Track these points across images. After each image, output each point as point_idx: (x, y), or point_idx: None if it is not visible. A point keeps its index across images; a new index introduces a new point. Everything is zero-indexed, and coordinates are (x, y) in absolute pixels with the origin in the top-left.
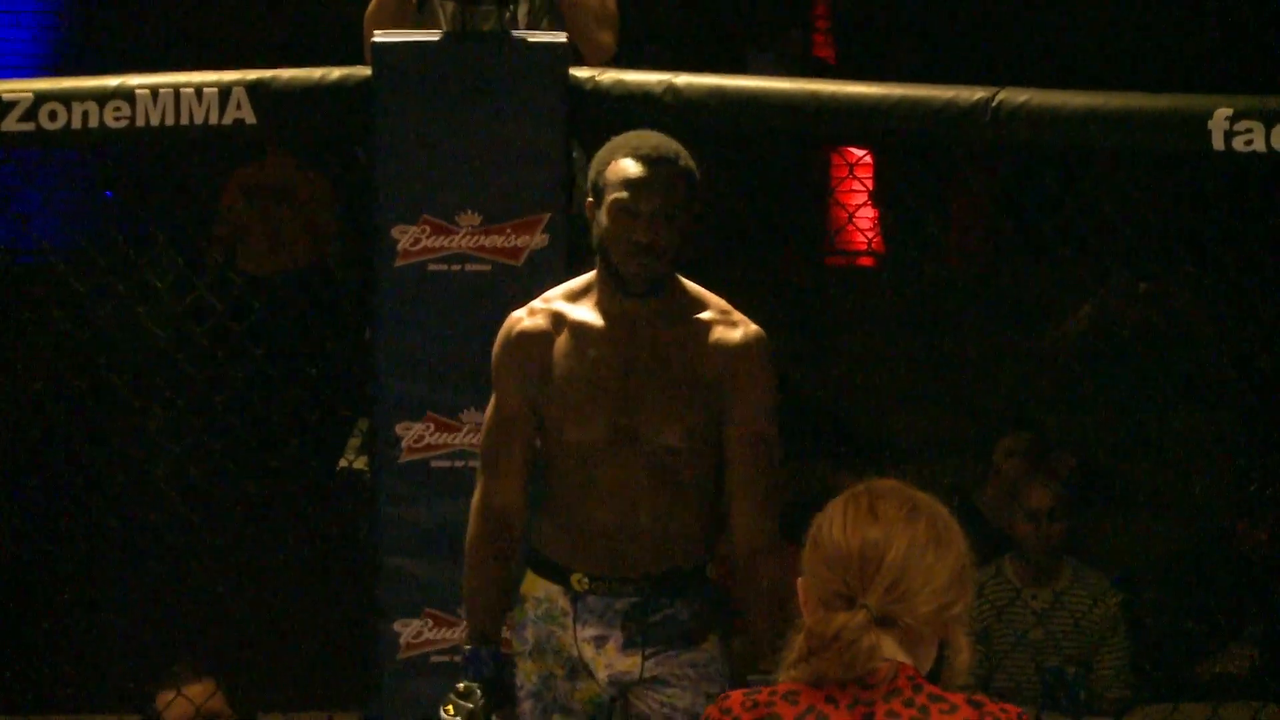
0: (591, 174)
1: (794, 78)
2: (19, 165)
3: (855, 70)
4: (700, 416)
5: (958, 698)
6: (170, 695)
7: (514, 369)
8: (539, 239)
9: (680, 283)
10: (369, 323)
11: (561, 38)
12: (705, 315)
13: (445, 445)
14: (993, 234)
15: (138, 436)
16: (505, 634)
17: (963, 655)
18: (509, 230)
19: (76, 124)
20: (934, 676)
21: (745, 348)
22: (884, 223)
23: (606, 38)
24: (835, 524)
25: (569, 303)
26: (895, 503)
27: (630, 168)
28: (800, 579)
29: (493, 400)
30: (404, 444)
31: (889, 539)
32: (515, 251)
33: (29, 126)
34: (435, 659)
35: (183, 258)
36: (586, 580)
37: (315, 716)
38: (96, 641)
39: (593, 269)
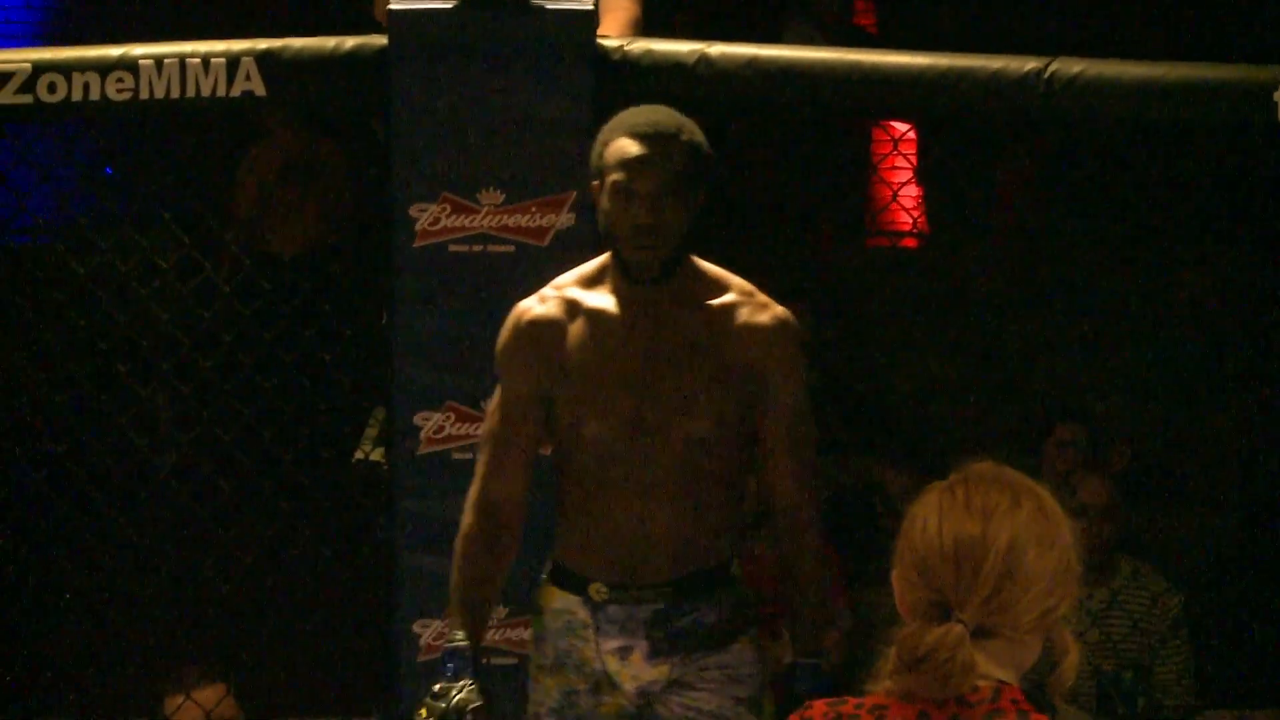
0: (593, 155)
1: (833, 47)
2: (15, 140)
3: (898, 39)
4: (731, 404)
5: None
6: (179, 700)
7: (524, 359)
8: (565, 218)
9: (698, 265)
10: (386, 307)
11: (587, 4)
12: (729, 298)
13: (466, 436)
14: (1044, 213)
15: (143, 427)
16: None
17: (1070, 656)
18: (534, 209)
19: (77, 96)
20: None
21: (777, 330)
22: (929, 202)
23: (630, 4)
24: (929, 520)
25: (583, 289)
26: (995, 492)
27: (628, 147)
28: (893, 574)
29: (497, 391)
30: (423, 435)
31: (988, 537)
32: (541, 232)
33: (27, 99)
34: None
35: (189, 237)
36: (605, 590)
37: None
38: (102, 644)
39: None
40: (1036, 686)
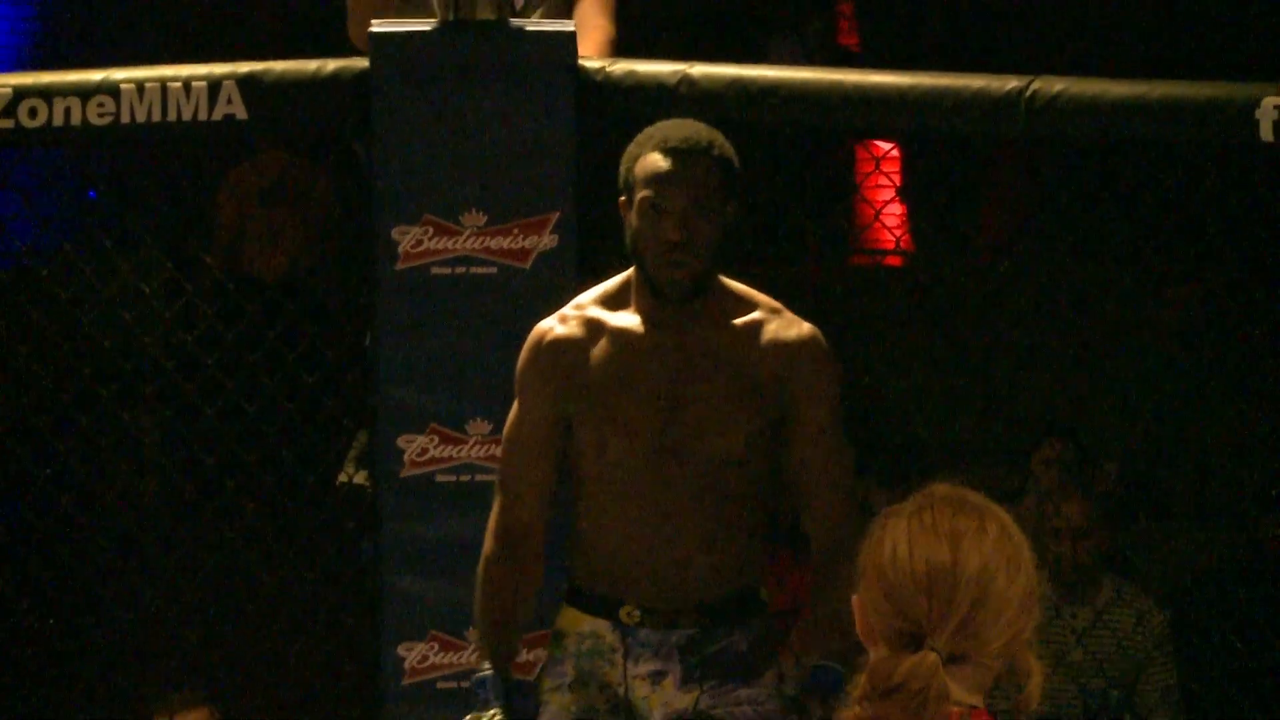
0: (622, 170)
1: (816, 67)
2: None
3: (881, 59)
4: (761, 423)
5: None
6: None
7: (544, 381)
8: (548, 239)
9: (723, 282)
10: (369, 329)
11: (569, 26)
12: (756, 315)
13: (450, 459)
14: (1026, 230)
15: (126, 451)
16: (525, 658)
17: (1034, 678)
18: (516, 230)
19: (58, 121)
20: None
21: (806, 345)
22: (912, 220)
23: (605, 24)
24: (899, 546)
25: (605, 308)
26: (961, 516)
27: (659, 162)
28: (855, 598)
29: (515, 413)
30: (406, 457)
31: (959, 563)
32: (523, 253)
33: (8, 124)
34: (442, 684)
35: (172, 261)
36: (638, 613)
37: None
38: (88, 667)
39: (619, 272)
40: (1004, 713)
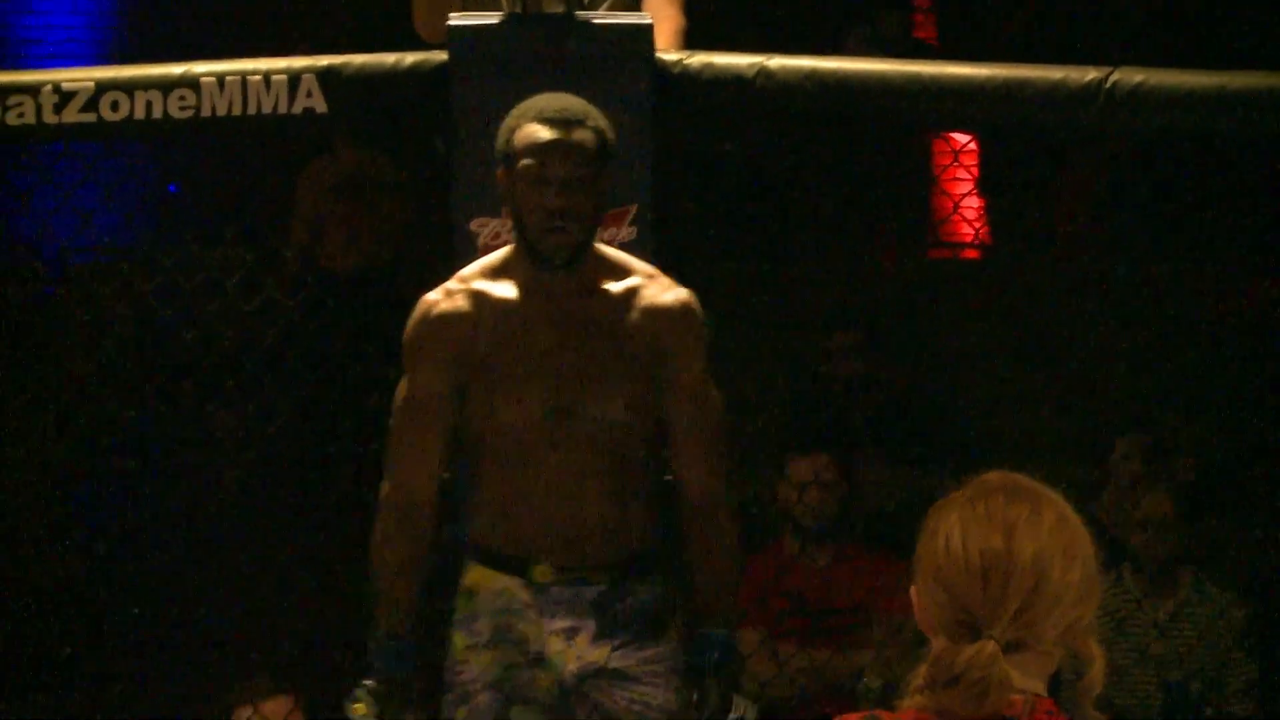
0: (500, 142)
1: (893, 59)
2: (79, 159)
3: (958, 51)
4: (641, 386)
5: None
6: (247, 711)
7: (433, 353)
8: (626, 232)
9: (601, 250)
10: None
11: (645, 19)
12: (633, 281)
13: None
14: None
15: (208, 444)
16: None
17: (1095, 665)
18: None
19: (140, 114)
20: (1054, 686)
21: (679, 309)
22: (990, 213)
23: (675, 14)
24: (952, 535)
25: (488, 280)
26: (1015, 504)
27: (538, 132)
28: (913, 589)
29: (404, 386)
30: None
31: (1013, 552)
32: None
33: (90, 117)
34: None
35: (252, 254)
36: (550, 571)
37: None
38: (172, 656)
39: (699, 264)
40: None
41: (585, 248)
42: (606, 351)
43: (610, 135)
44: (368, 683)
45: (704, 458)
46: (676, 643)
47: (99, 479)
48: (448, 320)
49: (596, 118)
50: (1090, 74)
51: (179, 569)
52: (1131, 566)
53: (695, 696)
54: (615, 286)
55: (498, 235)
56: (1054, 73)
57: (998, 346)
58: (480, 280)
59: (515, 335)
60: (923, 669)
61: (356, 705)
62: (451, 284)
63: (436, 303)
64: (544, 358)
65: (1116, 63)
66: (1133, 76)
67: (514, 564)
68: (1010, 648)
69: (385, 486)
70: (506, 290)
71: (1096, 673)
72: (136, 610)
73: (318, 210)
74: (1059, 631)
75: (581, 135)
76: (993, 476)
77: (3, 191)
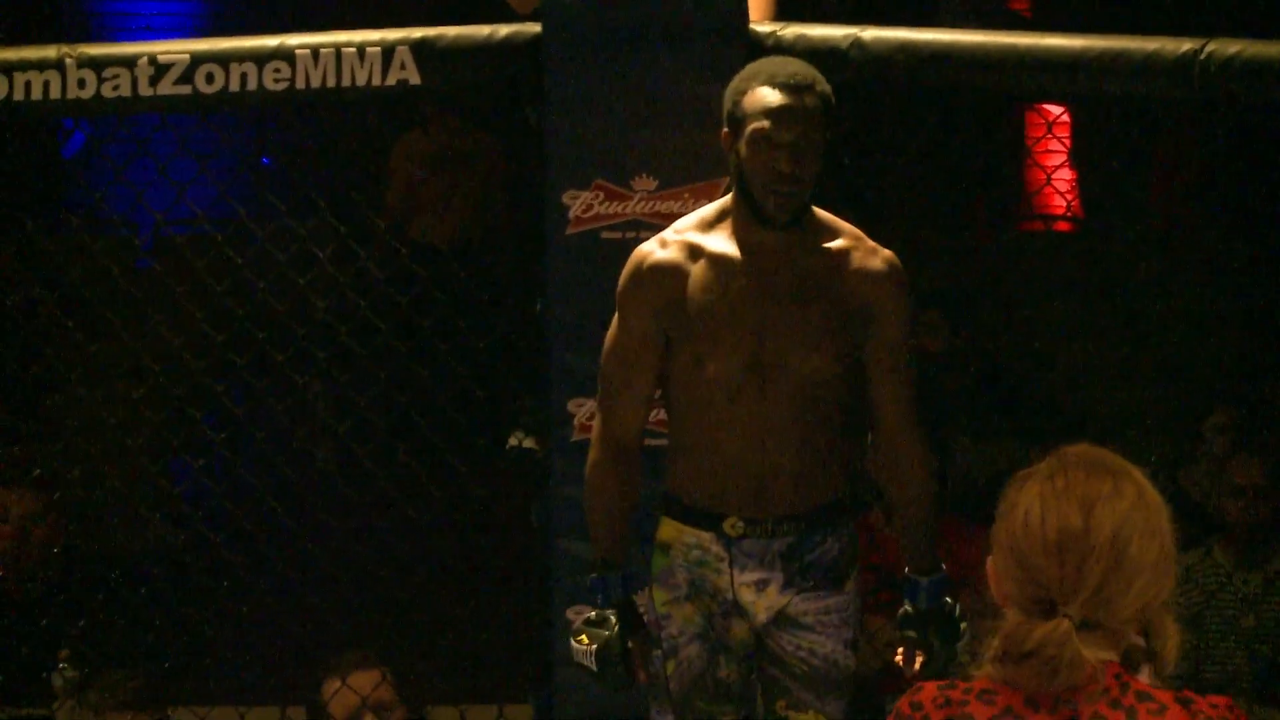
0: (727, 104)
1: (989, 30)
2: (174, 130)
3: (1052, 22)
4: (844, 344)
5: (1165, 695)
6: (336, 684)
7: (645, 301)
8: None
9: (814, 211)
10: (539, 294)
11: None
12: (842, 242)
13: None
14: (1199, 195)
15: (300, 415)
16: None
17: (1171, 642)
18: (686, 195)
19: (234, 86)
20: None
21: (888, 273)
22: (1083, 185)
23: None
24: (1031, 511)
25: (702, 233)
26: (1095, 480)
27: (770, 96)
28: (989, 562)
29: (615, 328)
30: (576, 421)
31: (1091, 529)
32: None
33: (185, 89)
34: None
35: (345, 227)
36: (741, 524)
37: (486, 709)
38: (263, 630)
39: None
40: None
41: (807, 209)
42: (814, 309)
43: (833, 100)
44: (591, 614)
45: (899, 400)
46: (853, 593)
47: (192, 451)
48: (660, 270)
49: (822, 83)
50: (1185, 45)
51: (270, 542)
52: (1222, 539)
53: (913, 650)
54: (826, 245)
55: (589, 208)
56: (1149, 44)
57: (1090, 318)
58: (694, 233)
59: (726, 288)
60: (995, 641)
61: (580, 638)
62: (667, 234)
63: (650, 253)
64: (752, 312)
65: (1211, 33)
66: (1228, 47)
67: (706, 518)
68: (1084, 625)
69: (596, 425)
70: (720, 244)
71: (1171, 650)
72: (227, 583)
73: (410, 182)
74: (1135, 609)
75: (811, 100)
76: (1073, 450)
77: (99, 164)
